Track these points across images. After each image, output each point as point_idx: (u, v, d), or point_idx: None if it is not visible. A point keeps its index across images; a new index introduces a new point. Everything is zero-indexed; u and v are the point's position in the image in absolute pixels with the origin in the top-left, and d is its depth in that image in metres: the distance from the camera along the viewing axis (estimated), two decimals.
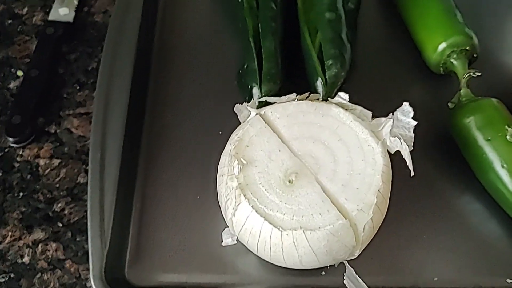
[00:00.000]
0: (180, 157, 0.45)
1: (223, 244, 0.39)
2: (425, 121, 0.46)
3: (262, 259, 0.38)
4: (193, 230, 0.42)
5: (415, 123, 0.36)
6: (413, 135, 0.36)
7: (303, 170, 0.36)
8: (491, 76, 0.49)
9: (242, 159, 0.36)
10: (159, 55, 0.50)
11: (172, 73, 0.49)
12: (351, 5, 0.49)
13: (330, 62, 0.42)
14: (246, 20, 0.44)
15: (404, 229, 0.42)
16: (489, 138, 0.41)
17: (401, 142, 0.35)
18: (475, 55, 0.47)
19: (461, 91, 0.45)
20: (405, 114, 0.36)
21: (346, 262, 0.38)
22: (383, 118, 0.37)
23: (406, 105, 0.37)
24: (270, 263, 0.39)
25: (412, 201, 0.44)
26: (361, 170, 0.36)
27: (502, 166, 0.41)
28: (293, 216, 0.34)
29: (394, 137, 0.36)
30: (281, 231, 0.34)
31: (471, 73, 0.44)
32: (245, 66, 0.43)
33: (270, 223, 0.34)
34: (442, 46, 0.47)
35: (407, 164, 0.36)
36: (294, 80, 0.45)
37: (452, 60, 0.46)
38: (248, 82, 0.42)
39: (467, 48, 0.46)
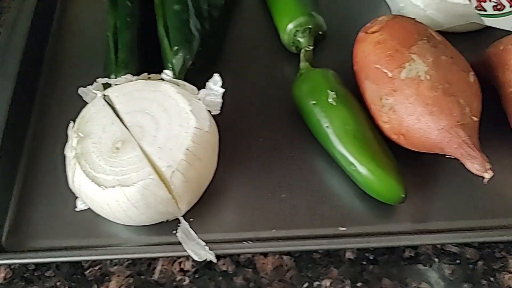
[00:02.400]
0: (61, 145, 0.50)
1: (77, 209, 0.45)
2: (280, 94, 0.52)
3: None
4: (65, 202, 0.47)
5: (222, 90, 0.42)
6: (221, 100, 0.42)
7: (129, 138, 0.42)
8: (344, 51, 0.53)
9: (79, 133, 0.42)
10: (51, 53, 0.57)
11: (63, 70, 0.56)
12: None
13: (176, 48, 0.48)
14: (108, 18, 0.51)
15: (255, 189, 0.47)
16: (314, 102, 0.46)
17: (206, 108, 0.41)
18: (320, 33, 0.52)
19: (300, 64, 0.50)
20: (215, 84, 0.42)
21: (182, 217, 0.44)
22: (203, 89, 0.43)
23: (216, 75, 0.42)
24: (126, 224, 0.44)
25: (262, 164, 0.48)
26: (176, 134, 0.41)
27: (327, 127, 0.45)
28: (114, 176, 0.40)
29: (207, 104, 0.41)
30: (104, 189, 0.40)
31: (306, 48, 0.50)
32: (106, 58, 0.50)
33: (96, 183, 0.40)
34: (289, 26, 0.52)
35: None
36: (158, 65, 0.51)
37: (298, 38, 0.52)
38: (107, 71, 0.49)
39: (310, 26, 0.51)
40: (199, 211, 0.46)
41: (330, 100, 0.46)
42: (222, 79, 0.50)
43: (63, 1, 0.62)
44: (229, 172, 0.48)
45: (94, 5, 0.62)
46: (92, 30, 0.59)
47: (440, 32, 0.50)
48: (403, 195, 0.43)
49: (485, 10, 0.50)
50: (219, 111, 0.43)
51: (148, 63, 0.51)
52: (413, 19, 0.47)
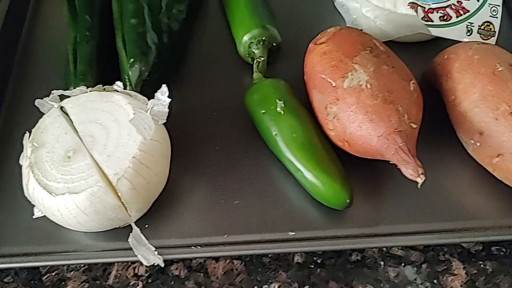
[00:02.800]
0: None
1: (34, 217, 0.46)
2: (238, 104, 0.54)
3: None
4: (23, 210, 0.49)
5: (169, 100, 0.44)
6: (167, 110, 0.44)
7: (80, 147, 0.43)
8: (299, 62, 0.55)
9: (34, 143, 0.44)
10: (19, 65, 0.59)
11: (30, 82, 0.58)
12: (176, 12, 0.57)
13: (132, 60, 0.50)
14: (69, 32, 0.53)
15: (210, 195, 0.49)
16: (263, 111, 0.48)
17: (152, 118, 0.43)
18: (274, 44, 0.54)
19: (253, 74, 0.52)
20: (163, 94, 0.44)
21: (134, 223, 0.45)
22: (151, 100, 0.45)
23: (164, 86, 0.44)
24: (80, 231, 0.46)
25: (217, 171, 0.50)
26: (125, 143, 0.43)
27: (275, 135, 0.47)
28: (65, 184, 0.42)
29: (154, 114, 0.43)
30: (55, 196, 0.41)
31: (258, 59, 0.51)
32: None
33: (47, 191, 0.42)
34: (244, 38, 0.54)
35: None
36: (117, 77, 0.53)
37: (253, 49, 0.54)
38: (67, 82, 0.51)
39: (264, 38, 0.53)
40: (154, 217, 0.48)
41: (278, 109, 0.47)
42: (182, 89, 0.52)
43: (32, 15, 0.64)
44: (185, 179, 0.50)
45: (63, 19, 0.64)
46: (59, 44, 0.61)
47: (392, 42, 0.53)
48: (348, 200, 0.45)
49: (432, 21, 0.52)
50: (165, 120, 0.44)
51: (107, 75, 0.52)
52: (360, 30, 0.49)
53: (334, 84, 0.45)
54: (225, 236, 0.47)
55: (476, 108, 0.45)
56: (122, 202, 0.42)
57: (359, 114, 0.44)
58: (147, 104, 0.45)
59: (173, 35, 0.55)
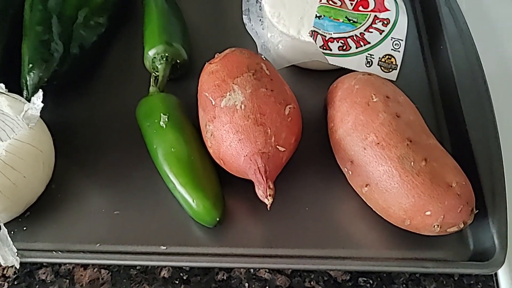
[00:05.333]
0: None
1: None
2: None
3: None
4: None
5: (42, 105, 0.45)
6: (38, 114, 0.44)
7: None
8: None
9: None
10: None
11: None
12: (94, 23, 0.58)
13: (31, 65, 0.51)
14: None
15: (93, 204, 0.50)
16: (148, 124, 0.49)
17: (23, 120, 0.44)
18: (178, 61, 0.55)
19: (149, 88, 0.52)
20: (38, 99, 0.44)
21: (2, 224, 0.45)
22: (27, 103, 0.46)
23: (40, 91, 0.45)
24: None
25: (105, 181, 0.51)
26: None
27: (156, 148, 0.48)
28: None
29: (27, 117, 0.44)
30: None
31: (154, 73, 0.52)
32: None
33: None
34: (149, 53, 0.55)
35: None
36: None
37: (157, 65, 0.55)
38: None
39: (167, 54, 0.54)
40: (35, 221, 0.49)
41: (161, 123, 0.48)
42: (91, 98, 0.53)
43: None
44: (72, 186, 0.50)
45: None
46: None
47: (306, 69, 0.53)
48: (218, 219, 0.45)
49: (330, 50, 0.53)
50: (34, 124, 0.45)
51: (14, 79, 0.53)
52: (254, 53, 0.50)
53: (213, 103, 0.46)
54: (98, 244, 0.47)
55: (348, 136, 0.45)
56: None
57: (230, 133, 0.44)
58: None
59: (87, 46, 0.56)
